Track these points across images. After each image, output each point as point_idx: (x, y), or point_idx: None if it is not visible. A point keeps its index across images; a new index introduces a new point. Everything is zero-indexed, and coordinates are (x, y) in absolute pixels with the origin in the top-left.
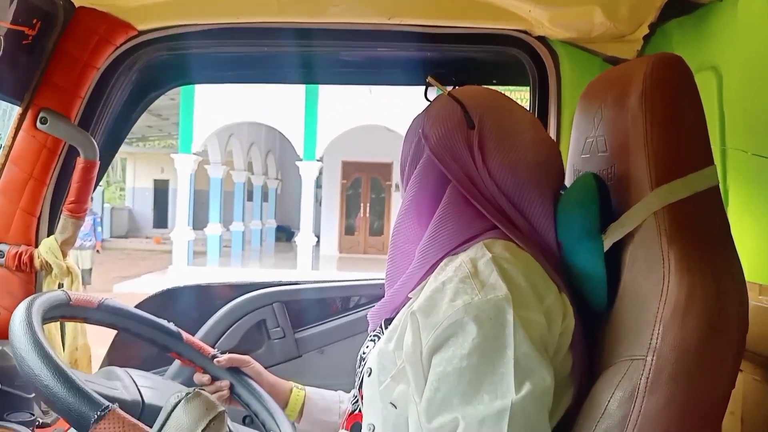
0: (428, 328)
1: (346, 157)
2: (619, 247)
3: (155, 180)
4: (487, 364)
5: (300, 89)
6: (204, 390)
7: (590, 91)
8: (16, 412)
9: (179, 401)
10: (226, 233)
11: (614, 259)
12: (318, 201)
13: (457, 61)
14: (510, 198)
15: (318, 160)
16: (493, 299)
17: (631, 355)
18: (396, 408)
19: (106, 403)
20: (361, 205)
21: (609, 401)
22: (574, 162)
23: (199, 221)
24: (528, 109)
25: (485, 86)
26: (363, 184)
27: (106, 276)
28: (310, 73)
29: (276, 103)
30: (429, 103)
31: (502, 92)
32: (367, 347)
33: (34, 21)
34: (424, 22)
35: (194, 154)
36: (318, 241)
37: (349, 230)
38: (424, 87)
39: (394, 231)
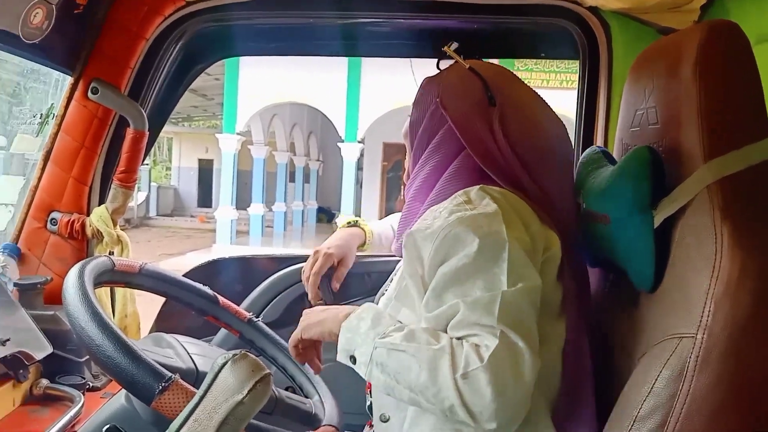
0: (426, 241)
1: (387, 139)
2: (669, 222)
3: (200, 159)
4: (484, 264)
5: (343, 70)
6: (250, 354)
7: (641, 61)
8: (68, 375)
9: (226, 362)
10: (269, 213)
11: (663, 235)
12: (359, 183)
13: (502, 33)
14: (530, 170)
15: (359, 142)
16: (485, 213)
17: (679, 333)
18: None
19: (169, 374)
20: (402, 186)
21: (656, 380)
22: (622, 136)
23: (242, 201)
24: (576, 82)
25: (496, 63)
26: (404, 167)
27: (152, 253)
28: (350, 45)
29: (319, 84)
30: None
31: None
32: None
33: None
34: None
35: (238, 134)
36: None
37: (389, 212)
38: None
39: (411, 194)
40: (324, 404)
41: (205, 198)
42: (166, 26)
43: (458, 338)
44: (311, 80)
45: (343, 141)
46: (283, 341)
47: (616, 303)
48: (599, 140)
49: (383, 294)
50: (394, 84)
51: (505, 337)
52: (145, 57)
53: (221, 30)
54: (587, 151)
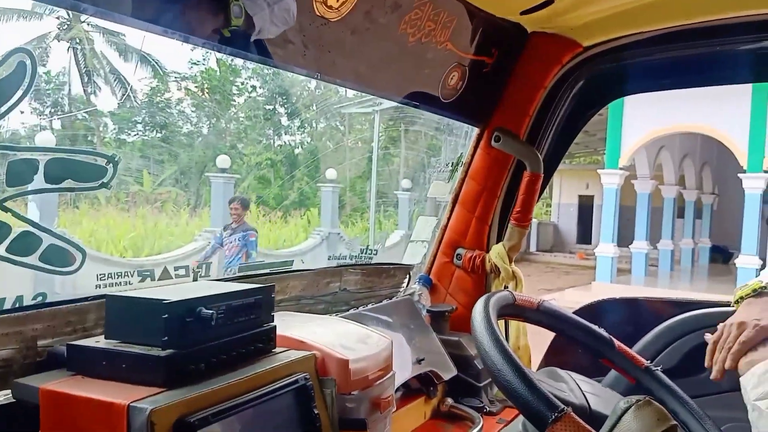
0: None
1: None
2: None
3: (580, 196)
4: None
5: (744, 93)
6: (654, 401)
7: None
8: (468, 397)
9: (629, 406)
10: (653, 251)
11: None
12: (765, 218)
13: None
14: None
15: (766, 171)
16: None
17: None
18: None
19: (562, 405)
20: None
21: None
22: None
23: (623, 238)
24: None
25: None
26: None
27: (532, 287)
28: (750, 72)
29: (714, 110)
30: None
31: None
32: None
33: (493, 50)
34: None
35: (621, 168)
36: (764, 265)
37: None
38: None
39: None
40: None
41: (585, 234)
42: (564, 72)
43: None
44: (706, 106)
45: (744, 171)
46: (684, 395)
47: None
48: None
49: None
50: None
51: None
52: (543, 104)
53: (616, 70)
54: None
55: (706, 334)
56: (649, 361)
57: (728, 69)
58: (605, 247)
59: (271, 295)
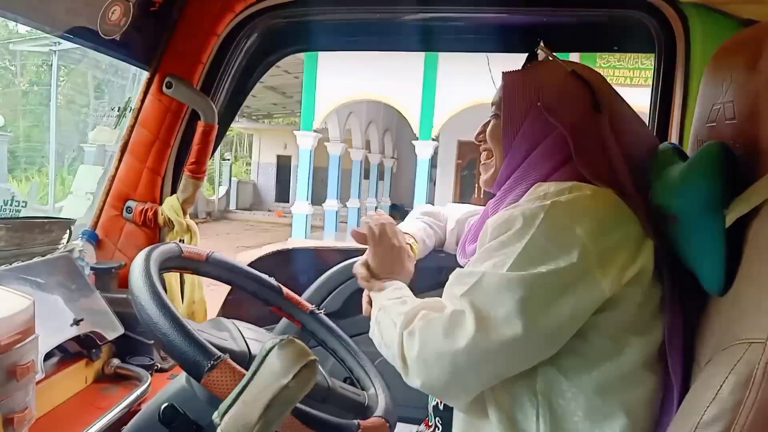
0: (491, 224)
1: (462, 137)
2: (742, 222)
3: (278, 156)
4: (507, 242)
5: (419, 68)
6: (297, 340)
7: (720, 54)
8: (138, 356)
9: (273, 346)
10: (343, 209)
11: (735, 235)
12: (432, 181)
13: (575, 26)
14: (633, 176)
15: (434, 140)
16: (540, 205)
17: (748, 338)
18: None
19: (218, 353)
20: (476, 186)
21: (722, 385)
22: (698, 132)
23: (317, 197)
24: (652, 77)
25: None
26: (478, 165)
27: (231, 245)
28: (427, 40)
29: (395, 82)
30: (529, 65)
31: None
32: None
33: None
34: None
35: (315, 131)
36: None
37: None
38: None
39: (509, 199)
40: (378, 397)
41: (283, 193)
42: (237, 23)
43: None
44: (388, 78)
45: (417, 138)
46: (343, 334)
47: (684, 306)
48: (674, 137)
49: None
50: (470, 82)
51: (458, 307)
52: (217, 53)
53: (292, 25)
54: (659, 146)
55: None
56: (314, 306)
57: (403, 35)
58: (300, 206)
59: None
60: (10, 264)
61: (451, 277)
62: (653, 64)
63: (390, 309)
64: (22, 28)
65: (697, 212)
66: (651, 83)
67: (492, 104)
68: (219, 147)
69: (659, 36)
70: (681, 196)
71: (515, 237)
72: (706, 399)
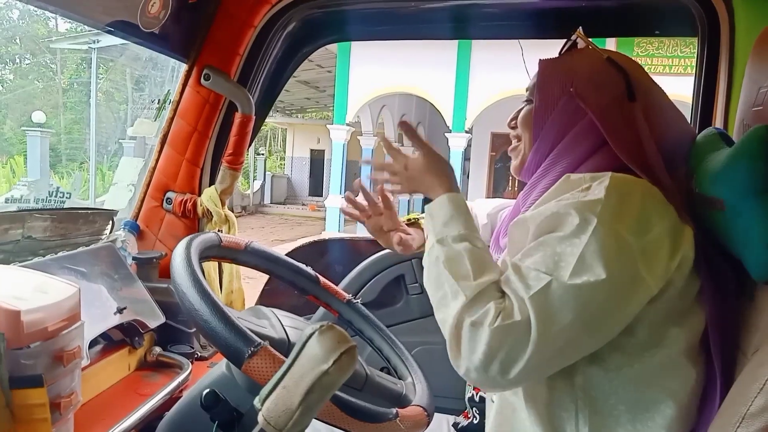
0: (535, 218)
1: (495, 129)
2: None
3: (312, 150)
4: (562, 241)
5: (452, 60)
6: (336, 326)
7: (766, 36)
8: (179, 345)
9: (313, 332)
10: None
11: None
12: (465, 173)
13: (613, 10)
14: (668, 166)
15: (467, 132)
16: (591, 200)
17: None
18: None
19: (259, 340)
20: (510, 178)
21: None
22: (744, 116)
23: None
24: (695, 62)
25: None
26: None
27: (266, 238)
28: (462, 28)
29: (428, 74)
30: (565, 52)
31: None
32: None
33: None
34: None
35: (348, 125)
36: None
37: None
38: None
39: (538, 189)
40: (416, 386)
41: (316, 187)
42: (273, 14)
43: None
44: (420, 71)
45: (450, 131)
46: (380, 323)
47: (726, 295)
48: (718, 122)
49: None
50: (504, 73)
51: (525, 313)
52: (253, 44)
53: (327, 16)
54: (703, 132)
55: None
56: (351, 295)
57: (437, 23)
58: (334, 199)
59: None
60: (56, 253)
61: (508, 260)
62: (696, 48)
63: (452, 259)
64: (62, 27)
65: (742, 197)
66: (691, 71)
67: (526, 90)
68: (253, 142)
69: (702, 19)
70: (728, 180)
71: (570, 238)
72: (754, 389)
